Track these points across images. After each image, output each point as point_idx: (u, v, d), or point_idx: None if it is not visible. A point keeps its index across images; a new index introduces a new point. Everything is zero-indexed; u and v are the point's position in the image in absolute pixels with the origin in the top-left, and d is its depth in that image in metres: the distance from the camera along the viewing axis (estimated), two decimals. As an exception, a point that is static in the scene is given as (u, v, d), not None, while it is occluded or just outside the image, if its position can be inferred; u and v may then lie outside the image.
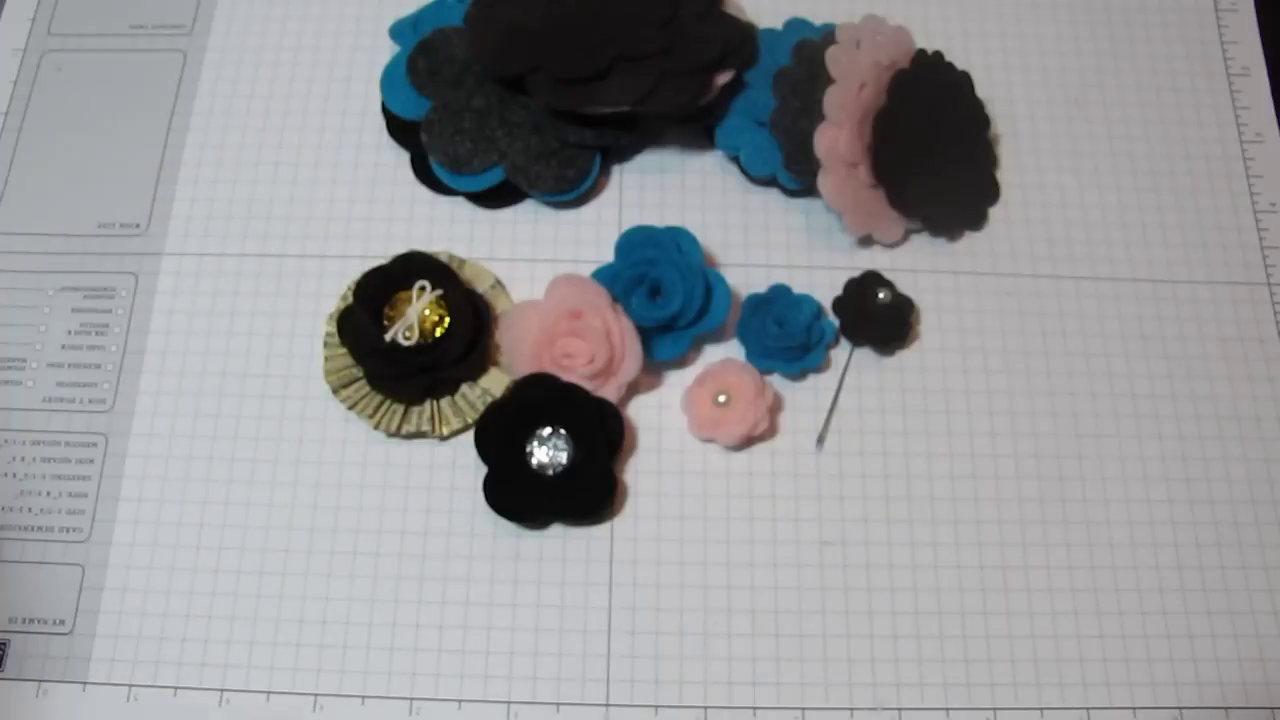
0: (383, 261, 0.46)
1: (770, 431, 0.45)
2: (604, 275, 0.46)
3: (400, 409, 0.45)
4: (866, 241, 0.49)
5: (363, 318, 0.45)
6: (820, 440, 0.46)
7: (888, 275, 0.47)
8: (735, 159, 0.49)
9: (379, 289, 0.46)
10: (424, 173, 0.50)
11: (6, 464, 0.45)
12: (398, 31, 0.52)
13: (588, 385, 0.44)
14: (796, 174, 0.48)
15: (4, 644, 0.43)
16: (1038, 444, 0.46)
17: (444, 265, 0.46)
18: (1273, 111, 0.53)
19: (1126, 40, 0.54)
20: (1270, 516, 0.45)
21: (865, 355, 0.47)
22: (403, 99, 0.50)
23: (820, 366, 0.47)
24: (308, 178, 0.50)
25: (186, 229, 0.49)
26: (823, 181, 0.47)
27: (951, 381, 0.47)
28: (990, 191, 0.50)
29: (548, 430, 0.44)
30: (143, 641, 0.42)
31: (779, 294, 0.47)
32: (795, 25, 0.51)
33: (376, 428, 0.45)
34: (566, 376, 0.44)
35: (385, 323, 0.45)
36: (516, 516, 0.44)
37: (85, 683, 0.42)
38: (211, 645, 0.42)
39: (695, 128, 0.50)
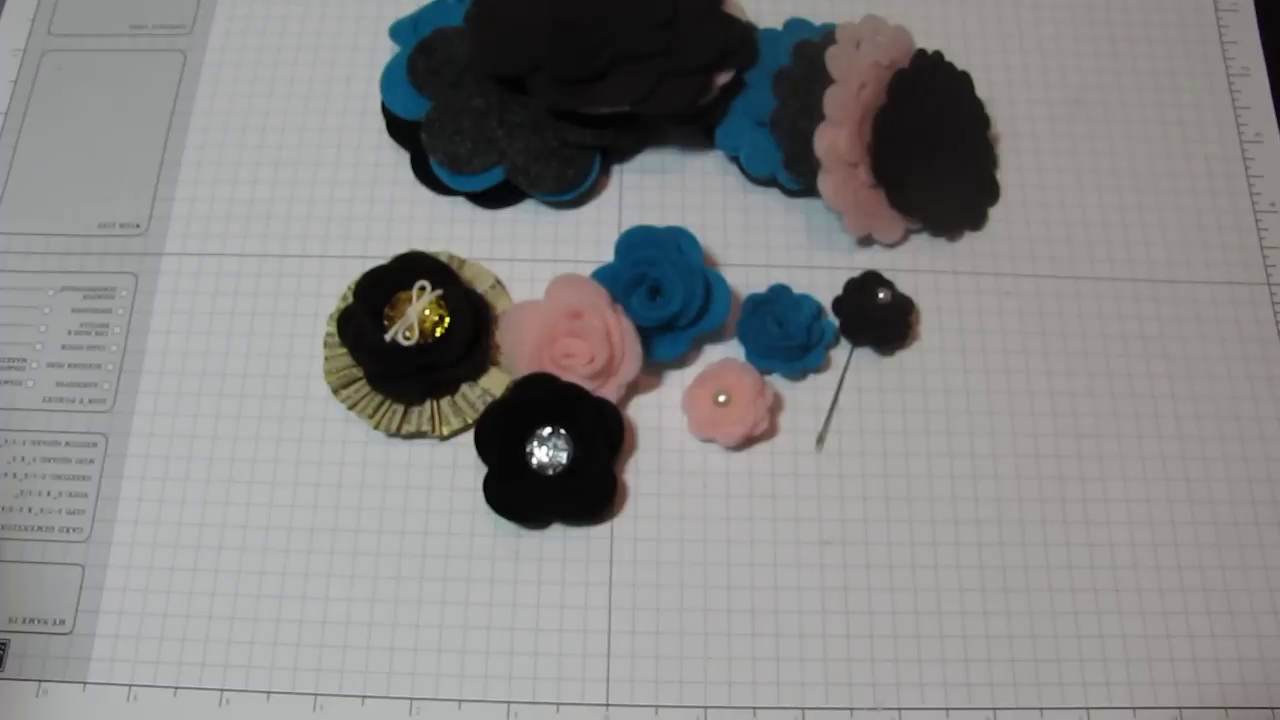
0: (383, 261, 0.46)
1: (770, 431, 0.45)
2: (604, 275, 0.46)
3: (400, 409, 0.45)
4: (866, 241, 0.49)
5: (363, 318, 0.45)
6: (820, 440, 0.46)
7: (888, 275, 0.47)
8: (735, 159, 0.49)
9: (379, 289, 0.46)
10: (424, 173, 0.50)
11: (6, 464, 0.45)
12: (398, 31, 0.52)
13: (588, 385, 0.44)
14: (796, 174, 0.48)
15: (4, 644, 0.43)
16: (1038, 444, 0.46)
17: (444, 265, 0.46)
18: (1273, 111, 0.53)
19: (1126, 40, 0.54)
20: (1270, 516, 0.45)
21: (865, 355, 0.47)
22: (403, 99, 0.50)
23: (820, 366, 0.47)
24: (308, 178, 0.50)
25: (186, 229, 0.49)
26: (823, 181, 0.47)
27: (951, 381, 0.47)
28: (990, 191, 0.50)
29: (548, 430, 0.44)
30: (143, 641, 0.42)
31: (779, 294, 0.47)
32: (795, 25, 0.51)
33: (376, 428, 0.45)
34: (566, 376, 0.44)
35: (385, 323, 0.45)
36: (516, 516, 0.44)
37: (85, 683, 0.42)
38: (211, 645, 0.42)
39: (695, 128, 0.50)
